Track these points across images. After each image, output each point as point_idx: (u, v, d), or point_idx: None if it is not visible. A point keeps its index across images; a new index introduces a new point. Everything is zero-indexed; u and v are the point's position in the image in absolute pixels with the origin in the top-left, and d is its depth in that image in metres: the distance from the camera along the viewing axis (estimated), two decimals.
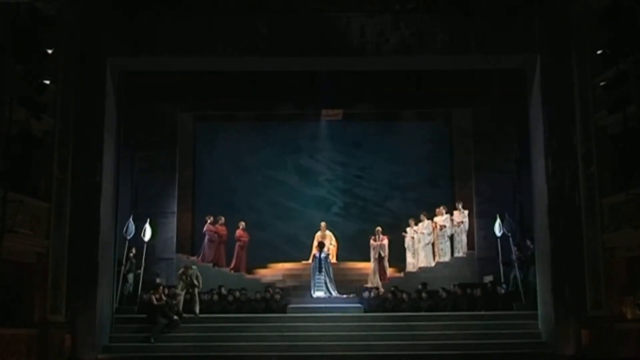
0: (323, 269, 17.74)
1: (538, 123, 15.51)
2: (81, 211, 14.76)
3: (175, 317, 15.71)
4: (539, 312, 15.50)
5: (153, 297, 15.82)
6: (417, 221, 19.26)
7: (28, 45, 12.96)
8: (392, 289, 17.14)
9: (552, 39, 15.22)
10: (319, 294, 17.52)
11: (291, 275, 19.05)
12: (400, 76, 17.72)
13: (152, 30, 15.44)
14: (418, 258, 19.08)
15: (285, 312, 16.51)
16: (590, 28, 14.53)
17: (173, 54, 15.59)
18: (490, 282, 17.34)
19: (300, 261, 19.44)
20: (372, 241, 18.81)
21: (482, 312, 16.23)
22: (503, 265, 17.42)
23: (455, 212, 19.17)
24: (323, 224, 19.59)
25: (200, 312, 16.26)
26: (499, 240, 17.56)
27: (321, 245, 18.23)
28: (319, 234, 19.37)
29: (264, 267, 19.69)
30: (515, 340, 15.00)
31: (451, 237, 19.12)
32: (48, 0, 14.05)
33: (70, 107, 14.86)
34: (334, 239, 19.48)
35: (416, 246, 19.19)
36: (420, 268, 18.85)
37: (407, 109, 20.80)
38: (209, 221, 19.38)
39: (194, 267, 16.91)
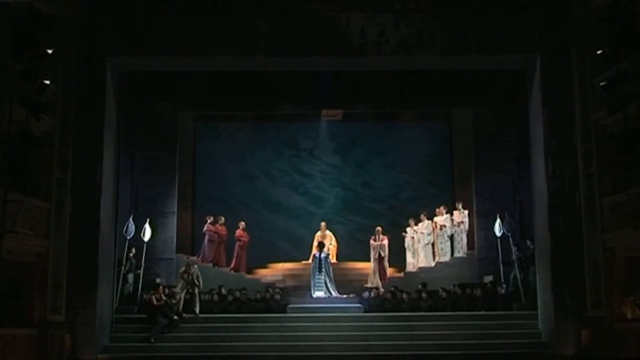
0: (323, 269, 17.74)
1: (538, 123, 15.50)
2: (81, 211, 14.77)
3: (175, 317, 15.71)
4: (539, 312, 15.49)
5: (153, 297, 15.83)
6: (417, 221, 19.26)
7: (28, 45, 12.93)
8: (392, 289, 17.13)
9: (552, 39, 15.22)
10: (319, 294, 17.52)
11: (291, 275, 19.06)
12: (400, 76, 17.71)
13: (152, 30, 15.42)
14: (418, 258, 19.09)
15: (285, 312, 16.50)
16: (590, 28, 14.52)
17: (173, 54, 15.57)
18: (490, 282, 17.33)
19: (300, 261, 19.45)
20: (372, 241, 18.81)
21: (482, 312, 16.23)
22: (503, 265, 17.41)
23: (455, 212, 19.17)
24: (323, 224, 19.61)
25: (200, 312, 16.26)
26: (499, 240, 17.56)
27: (321, 245, 18.23)
28: (319, 234, 19.38)
29: (264, 267, 19.69)
30: (515, 340, 14.99)
31: (451, 237, 19.12)
32: (48, 0, 14.05)
33: (70, 107, 14.87)
34: (334, 239, 19.49)
35: (416, 246, 19.19)
36: (420, 268, 18.85)
37: (407, 108, 20.80)
38: (209, 221, 19.39)
39: (195, 266, 16.92)
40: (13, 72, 12.93)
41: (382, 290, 17.25)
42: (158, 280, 17.10)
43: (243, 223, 19.57)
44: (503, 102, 18.58)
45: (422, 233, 19.12)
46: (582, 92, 14.78)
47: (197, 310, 16.21)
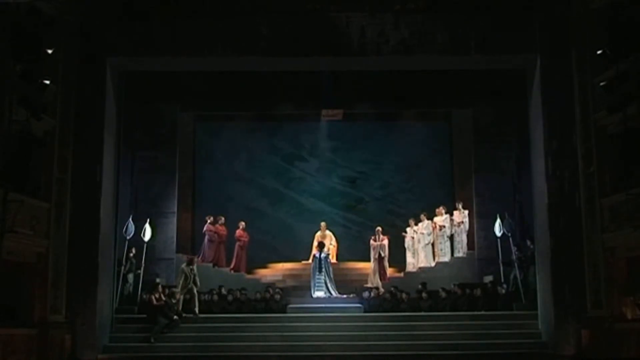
0: (323, 269, 17.75)
1: (538, 123, 15.50)
2: (81, 211, 14.77)
3: (175, 317, 15.71)
4: (539, 312, 15.49)
5: (153, 297, 15.83)
6: (417, 221, 19.27)
7: (28, 45, 12.93)
8: (392, 289, 17.14)
9: (552, 39, 15.21)
10: (319, 294, 17.52)
11: (291, 275, 19.07)
12: (400, 76, 17.72)
13: (152, 30, 15.42)
14: (418, 258, 19.09)
15: (285, 312, 16.51)
16: (590, 28, 14.51)
17: (173, 54, 15.57)
18: (490, 282, 17.33)
19: (300, 261, 19.46)
20: (372, 241, 18.82)
21: (482, 312, 16.23)
22: (503, 265, 17.41)
23: (455, 212, 19.17)
24: (323, 224, 19.62)
25: (200, 312, 16.26)
26: (499, 240, 17.55)
27: (321, 245, 18.23)
28: (319, 234, 19.39)
29: (264, 267, 19.71)
30: (515, 340, 14.99)
31: (451, 237, 19.13)
32: (48, 0, 14.05)
33: (70, 107, 14.88)
34: (334, 239, 19.49)
35: (416, 246, 19.20)
36: (420, 268, 18.86)
37: (407, 109, 20.78)
38: (209, 221, 19.39)
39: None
40: (13, 72, 12.93)
41: (382, 290, 17.25)
42: (158, 280, 17.07)
43: (243, 223, 19.58)
44: (503, 102, 18.59)
45: (422, 233, 19.13)
46: (582, 92, 14.77)
47: (197, 310, 16.21)
